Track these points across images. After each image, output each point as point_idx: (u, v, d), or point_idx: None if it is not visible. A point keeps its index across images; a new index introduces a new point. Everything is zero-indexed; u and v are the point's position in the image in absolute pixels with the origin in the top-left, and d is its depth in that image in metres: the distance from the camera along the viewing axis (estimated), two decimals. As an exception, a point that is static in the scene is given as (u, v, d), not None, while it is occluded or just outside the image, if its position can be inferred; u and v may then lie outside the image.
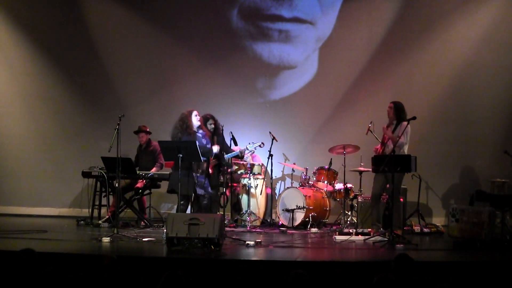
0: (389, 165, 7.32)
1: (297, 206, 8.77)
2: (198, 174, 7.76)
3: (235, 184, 9.25)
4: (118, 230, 7.40)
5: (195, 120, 7.88)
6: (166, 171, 8.74)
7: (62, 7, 10.41)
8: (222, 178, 8.77)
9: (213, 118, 8.34)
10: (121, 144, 7.38)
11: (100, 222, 8.74)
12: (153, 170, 8.94)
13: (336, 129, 10.07)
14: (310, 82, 10.34)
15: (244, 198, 9.10)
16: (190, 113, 7.89)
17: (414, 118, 7.59)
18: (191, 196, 7.84)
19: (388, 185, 7.92)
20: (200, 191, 7.76)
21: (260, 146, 8.80)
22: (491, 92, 9.90)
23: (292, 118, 10.26)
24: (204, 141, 7.93)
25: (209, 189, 7.88)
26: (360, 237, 7.58)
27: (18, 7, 10.42)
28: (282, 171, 9.94)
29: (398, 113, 8.04)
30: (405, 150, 7.95)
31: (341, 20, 10.17)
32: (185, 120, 7.82)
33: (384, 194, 8.24)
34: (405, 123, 7.89)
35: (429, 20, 9.97)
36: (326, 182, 9.14)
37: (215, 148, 8.03)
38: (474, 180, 9.78)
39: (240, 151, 8.64)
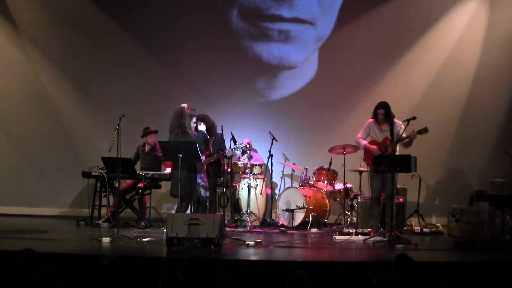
0: (389, 165, 7.32)
1: (297, 206, 8.77)
2: (202, 175, 7.71)
3: (235, 184, 9.25)
4: (118, 230, 7.39)
5: (193, 126, 7.80)
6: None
7: (62, 7, 10.40)
8: (222, 178, 8.80)
9: (203, 120, 8.13)
10: (121, 144, 7.38)
11: (99, 222, 8.74)
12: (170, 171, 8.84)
13: (336, 129, 10.07)
14: (310, 82, 10.35)
15: (244, 198, 9.09)
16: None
17: (414, 118, 7.60)
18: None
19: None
20: (206, 193, 7.71)
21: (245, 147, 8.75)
22: (491, 92, 9.90)
23: (292, 118, 10.26)
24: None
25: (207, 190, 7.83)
26: (360, 237, 7.58)
27: (17, 7, 10.41)
28: (282, 171, 9.94)
29: (389, 115, 8.02)
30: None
31: (341, 20, 10.17)
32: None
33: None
34: (399, 122, 7.93)
35: (429, 20, 9.98)
36: (326, 182, 9.14)
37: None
38: (474, 180, 9.79)
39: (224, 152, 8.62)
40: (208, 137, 8.02)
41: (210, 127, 8.24)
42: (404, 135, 7.84)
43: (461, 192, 9.49)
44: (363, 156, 8.38)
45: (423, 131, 7.74)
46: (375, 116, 8.12)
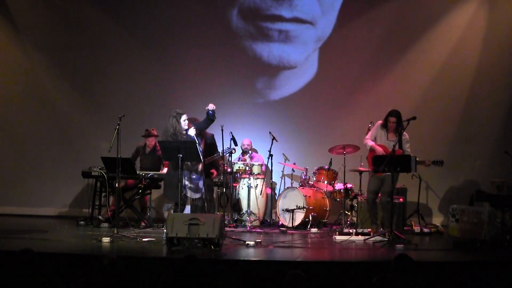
0: (389, 165, 7.31)
1: (297, 206, 8.76)
2: (193, 176, 7.69)
3: (235, 184, 9.26)
4: (118, 230, 7.40)
5: (184, 124, 7.78)
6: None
7: (62, 8, 10.40)
8: (222, 178, 8.79)
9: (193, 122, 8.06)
10: (121, 144, 7.38)
11: (100, 217, 8.74)
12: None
13: (336, 129, 10.08)
14: (310, 82, 10.35)
15: (244, 198, 9.09)
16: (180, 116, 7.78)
17: (414, 118, 7.57)
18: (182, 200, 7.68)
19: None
20: (195, 195, 7.69)
21: (231, 152, 8.72)
22: (491, 91, 9.91)
23: (292, 118, 10.26)
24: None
25: (203, 190, 7.81)
26: (360, 237, 7.57)
27: (18, 8, 10.42)
28: (282, 171, 9.95)
29: (400, 125, 7.79)
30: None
31: (341, 20, 10.18)
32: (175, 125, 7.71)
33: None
34: (407, 136, 7.80)
35: (429, 20, 9.99)
36: (326, 182, 9.14)
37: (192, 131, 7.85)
38: (474, 180, 9.79)
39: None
40: (197, 141, 8.01)
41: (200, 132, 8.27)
42: (408, 149, 7.78)
43: (461, 192, 9.50)
44: (367, 157, 8.30)
45: (439, 163, 7.78)
46: (385, 122, 7.94)
